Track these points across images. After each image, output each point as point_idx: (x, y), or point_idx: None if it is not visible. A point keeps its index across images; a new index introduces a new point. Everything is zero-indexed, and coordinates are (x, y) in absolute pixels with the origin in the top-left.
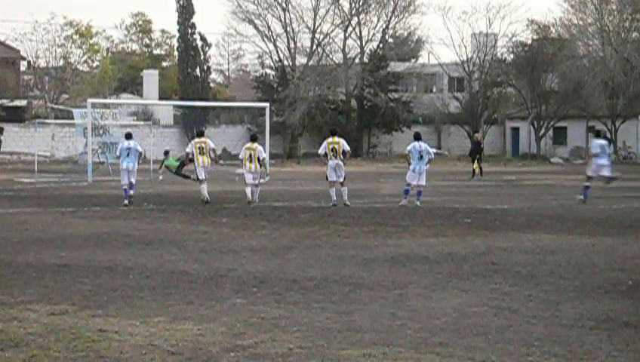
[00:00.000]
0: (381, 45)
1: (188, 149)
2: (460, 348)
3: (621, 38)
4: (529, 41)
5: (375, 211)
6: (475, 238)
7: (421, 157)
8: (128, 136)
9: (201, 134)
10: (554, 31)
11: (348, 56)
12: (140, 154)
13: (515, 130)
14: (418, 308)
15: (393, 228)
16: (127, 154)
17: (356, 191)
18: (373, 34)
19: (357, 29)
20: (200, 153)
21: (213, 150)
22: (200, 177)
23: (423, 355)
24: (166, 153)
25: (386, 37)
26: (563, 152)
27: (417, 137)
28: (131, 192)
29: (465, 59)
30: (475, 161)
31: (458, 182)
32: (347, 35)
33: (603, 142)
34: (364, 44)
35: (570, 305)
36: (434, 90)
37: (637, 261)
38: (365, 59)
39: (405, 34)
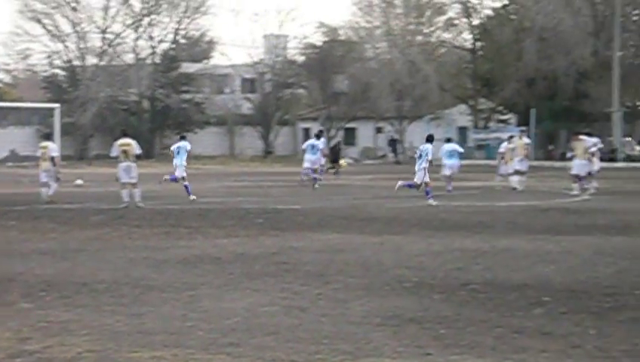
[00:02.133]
0: (173, 46)
1: None
2: (251, 348)
3: (407, 41)
4: (319, 43)
5: (167, 213)
6: (266, 238)
7: (420, 156)
8: (182, 138)
9: None
10: (343, 33)
11: (139, 56)
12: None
13: (307, 131)
14: (209, 309)
15: (185, 229)
16: (178, 152)
17: (149, 192)
18: (165, 34)
19: (148, 30)
20: None
21: None
22: None
23: (213, 356)
24: None
25: (178, 38)
26: (353, 153)
27: (428, 139)
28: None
29: (257, 60)
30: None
31: (250, 183)
32: (138, 35)
33: (313, 141)
34: (155, 44)
35: (358, 302)
36: (226, 91)
37: (422, 258)
38: (157, 60)
39: (197, 35)
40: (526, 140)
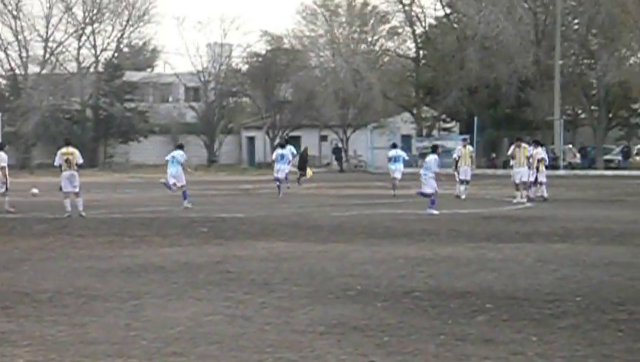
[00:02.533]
0: (116, 54)
1: None
2: (194, 357)
3: (351, 49)
4: (263, 52)
5: (111, 222)
6: (211, 247)
7: (426, 167)
8: (179, 147)
9: None
10: (287, 42)
11: (82, 65)
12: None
13: (251, 140)
14: (153, 319)
15: (129, 238)
16: (172, 162)
17: (92, 201)
18: (108, 43)
19: (91, 38)
20: None
21: None
22: None
23: None
24: None
25: (121, 46)
26: (297, 161)
27: (433, 150)
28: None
29: (201, 68)
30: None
31: (194, 192)
32: (81, 43)
33: (280, 150)
34: (98, 53)
35: (302, 311)
36: (170, 99)
37: (366, 266)
38: (100, 69)
39: (140, 43)
40: (470, 148)
